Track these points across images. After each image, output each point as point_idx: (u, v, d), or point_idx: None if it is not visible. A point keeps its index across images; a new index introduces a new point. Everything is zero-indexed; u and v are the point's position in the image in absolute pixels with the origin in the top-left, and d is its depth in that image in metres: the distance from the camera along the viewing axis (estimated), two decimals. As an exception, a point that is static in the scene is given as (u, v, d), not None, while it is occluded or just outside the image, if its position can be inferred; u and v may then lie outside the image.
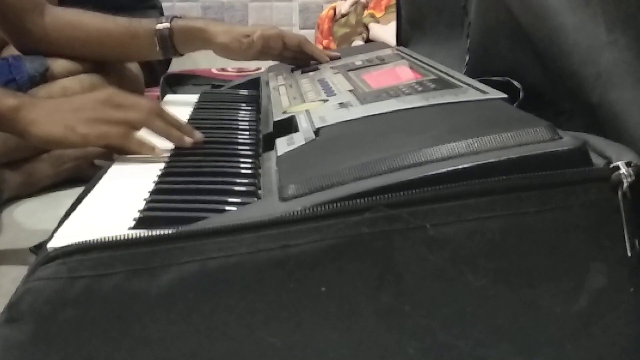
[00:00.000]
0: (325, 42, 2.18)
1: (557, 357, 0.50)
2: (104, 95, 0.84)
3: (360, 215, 0.48)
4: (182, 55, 1.20)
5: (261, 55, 1.16)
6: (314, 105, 0.81)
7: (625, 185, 0.49)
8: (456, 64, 0.91)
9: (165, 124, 0.83)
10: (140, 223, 0.61)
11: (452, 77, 0.82)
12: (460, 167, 0.51)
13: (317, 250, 0.48)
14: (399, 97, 0.75)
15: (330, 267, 0.48)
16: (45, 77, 1.20)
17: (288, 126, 0.76)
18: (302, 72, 1.09)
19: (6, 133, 0.87)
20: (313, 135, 0.68)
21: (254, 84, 1.21)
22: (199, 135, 0.84)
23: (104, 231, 0.51)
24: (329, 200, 0.50)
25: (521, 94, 0.75)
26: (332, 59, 1.15)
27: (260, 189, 0.68)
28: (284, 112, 0.82)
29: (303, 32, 2.39)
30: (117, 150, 0.84)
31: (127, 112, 0.83)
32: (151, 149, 0.82)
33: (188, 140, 0.83)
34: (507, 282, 0.49)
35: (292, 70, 1.13)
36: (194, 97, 1.14)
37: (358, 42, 2.03)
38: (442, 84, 0.78)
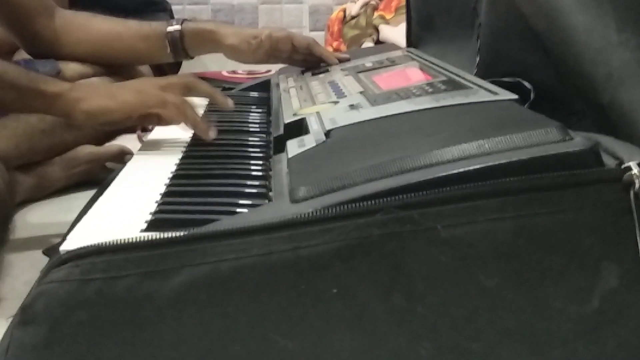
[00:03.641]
0: (335, 44, 2.18)
1: (568, 357, 0.50)
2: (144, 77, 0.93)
3: (372, 217, 0.48)
4: (192, 57, 1.20)
5: (270, 57, 1.16)
6: (325, 107, 0.81)
7: (637, 185, 0.49)
8: (467, 65, 0.91)
9: (210, 87, 0.92)
10: (152, 225, 0.61)
11: (463, 78, 0.82)
12: (471, 168, 0.51)
13: (328, 252, 0.48)
14: (409, 99, 0.75)
15: (342, 269, 0.49)
16: (57, 80, 1.20)
17: (298, 128, 0.76)
18: (312, 74, 1.09)
19: (52, 115, 0.94)
20: (324, 137, 0.68)
21: (264, 86, 1.22)
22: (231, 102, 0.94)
23: (116, 234, 0.51)
24: (340, 202, 0.50)
25: (532, 95, 0.75)
26: (341, 61, 1.15)
27: (271, 191, 0.68)
28: (295, 114, 0.82)
29: (313, 34, 2.39)
30: (157, 121, 0.88)
31: (167, 79, 0.89)
32: (188, 116, 0.86)
33: (230, 102, 0.92)
34: (519, 283, 0.49)
35: (302, 72, 1.14)
36: (204, 100, 1.14)
37: (368, 43, 2.03)
38: (453, 85, 0.78)
